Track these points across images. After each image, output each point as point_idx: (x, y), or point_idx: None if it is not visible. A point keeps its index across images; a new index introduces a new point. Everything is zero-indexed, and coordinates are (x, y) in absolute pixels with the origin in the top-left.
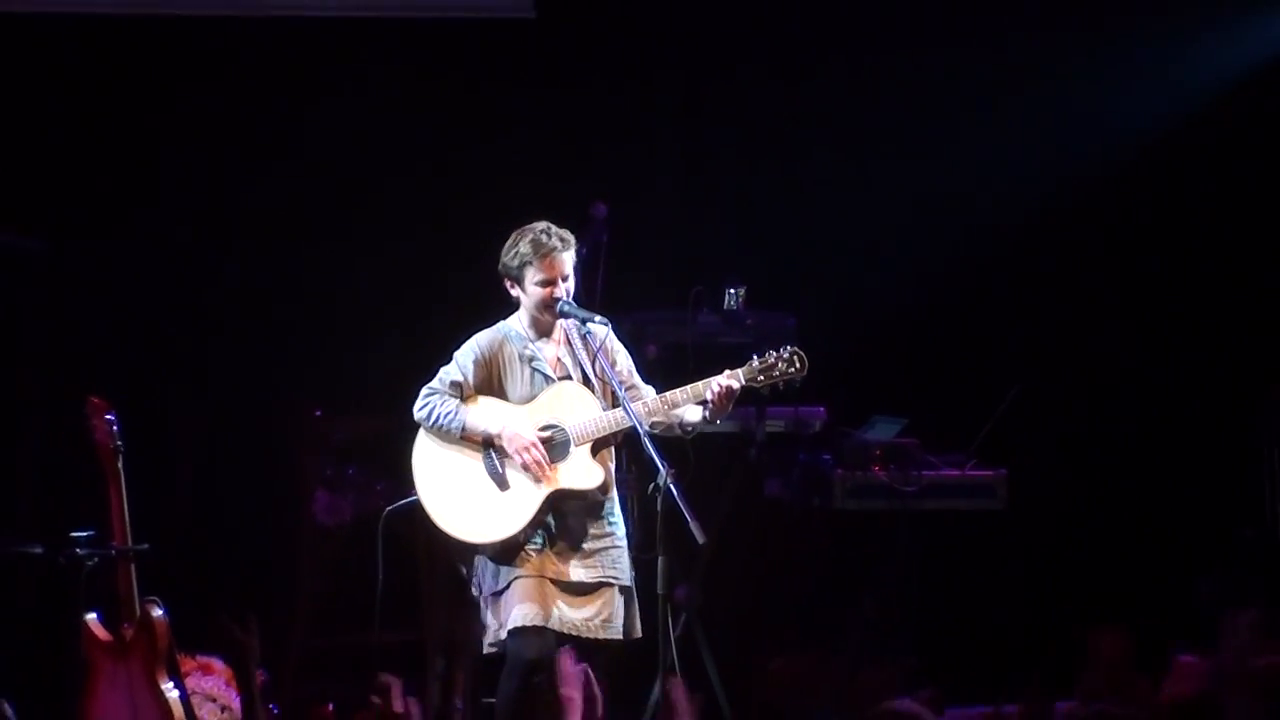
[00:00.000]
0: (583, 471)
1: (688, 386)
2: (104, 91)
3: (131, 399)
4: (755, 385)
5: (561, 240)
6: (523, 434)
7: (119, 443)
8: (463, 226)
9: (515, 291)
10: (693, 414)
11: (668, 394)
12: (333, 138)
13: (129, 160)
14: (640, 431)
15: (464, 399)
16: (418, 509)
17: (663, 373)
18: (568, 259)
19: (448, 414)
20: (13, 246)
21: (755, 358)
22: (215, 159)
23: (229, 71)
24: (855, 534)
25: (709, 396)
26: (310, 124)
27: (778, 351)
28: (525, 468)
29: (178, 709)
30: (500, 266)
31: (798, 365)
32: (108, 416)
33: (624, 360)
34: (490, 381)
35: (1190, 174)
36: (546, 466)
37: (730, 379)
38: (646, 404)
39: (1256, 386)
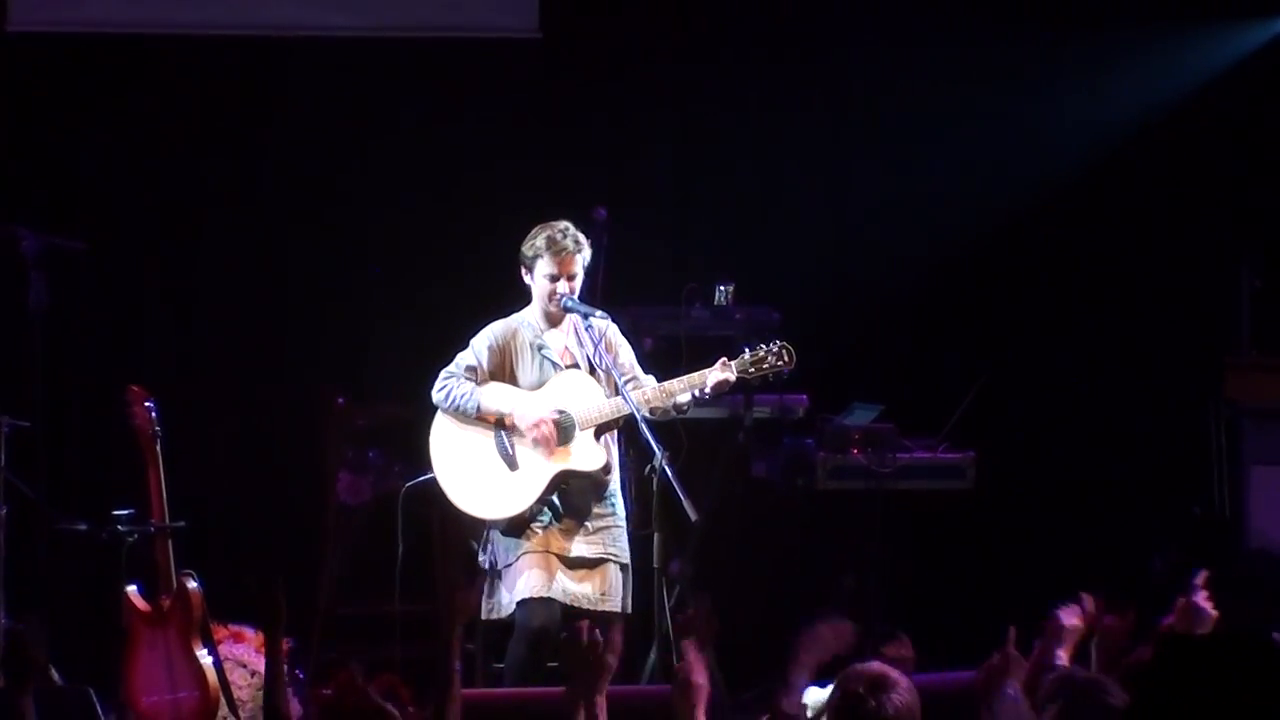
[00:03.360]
0: (586, 454)
1: (683, 378)
2: (138, 103)
3: (169, 388)
4: (746, 376)
5: (575, 242)
6: (532, 411)
7: (157, 428)
8: (473, 231)
9: (528, 279)
10: (684, 396)
11: (666, 384)
12: (354, 145)
13: (162, 166)
14: (637, 418)
15: (478, 383)
16: (434, 487)
17: (658, 363)
18: (578, 260)
19: (463, 395)
20: (57, 247)
21: (747, 350)
22: (242, 166)
23: (252, 84)
24: (835, 512)
25: (706, 388)
26: (332, 133)
27: (767, 345)
28: (536, 442)
29: (211, 673)
30: (520, 254)
31: (785, 358)
32: (147, 404)
33: (626, 354)
34: (503, 367)
35: (1148, 172)
36: (554, 441)
37: (724, 371)
38: (645, 393)
39: (1207, 374)
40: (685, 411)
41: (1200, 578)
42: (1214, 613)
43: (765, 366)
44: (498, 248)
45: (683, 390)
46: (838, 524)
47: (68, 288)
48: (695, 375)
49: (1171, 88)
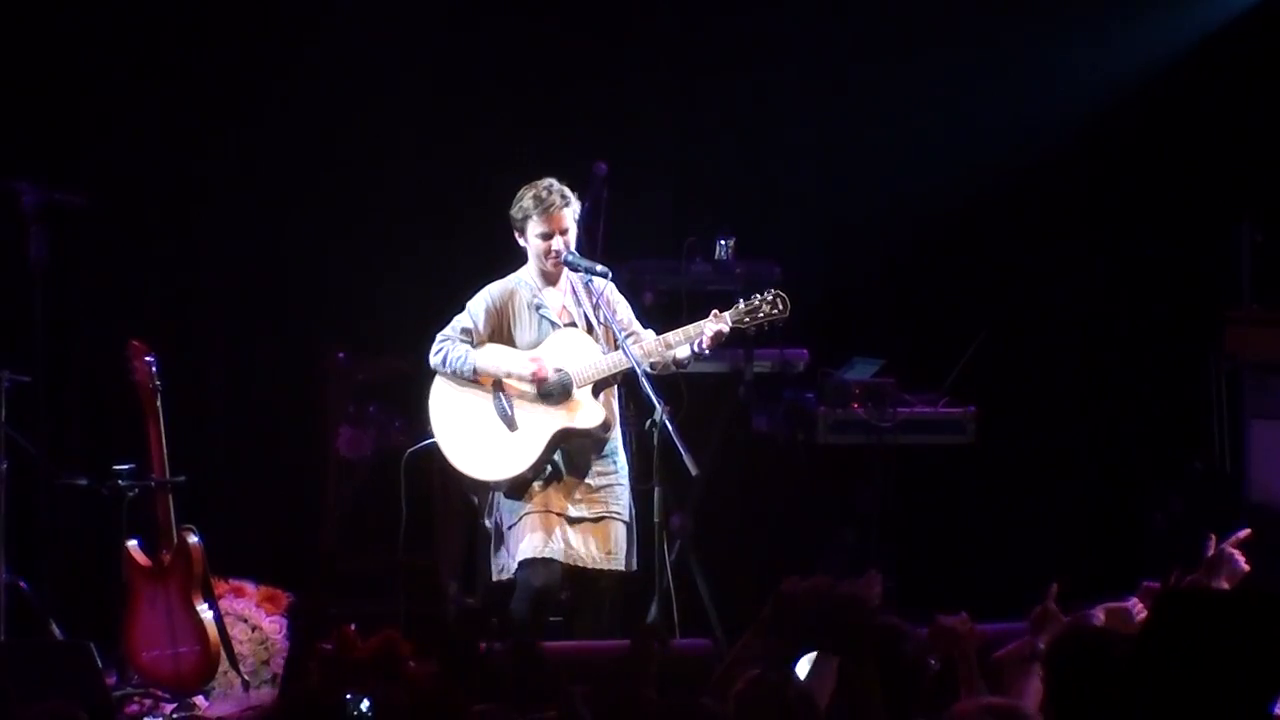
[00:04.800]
0: (585, 411)
1: (680, 330)
2: (138, 57)
3: (169, 342)
4: (741, 326)
5: (562, 197)
6: (525, 365)
7: (158, 383)
8: (473, 185)
9: (522, 242)
10: (684, 351)
11: (664, 335)
12: (356, 100)
13: (162, 120)
14: (638, 372)
15: (474, 345)
16: (435, 449)
17: (659, 317)
18: (567, 214)
19: (459, 358)
20: (58, 202)
21: (741, 301)
22: (242, 122)
23: (251, 39)
24: (836, 466)
25: (704, 341)
26: (333, 88)
27: (762, 295)
28: (535, 379)
29: (212, 628)
30: (509, 218)
31: (780, 307)
32: (147, 358)
33: (624, 310)
34: (501, 329)
35: (1149, 125)
36: (546, 375)
37: (719, 323)
38: (643, 346)
39: (1207, 328)
40: (685, 366)
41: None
42: (1245, 567)
43: (760, 316)
44: (498, 202)
45: (680, 342)
46: (838, 478)
47: (68, 243)
48: (691, 327)
49: (1173, 40)
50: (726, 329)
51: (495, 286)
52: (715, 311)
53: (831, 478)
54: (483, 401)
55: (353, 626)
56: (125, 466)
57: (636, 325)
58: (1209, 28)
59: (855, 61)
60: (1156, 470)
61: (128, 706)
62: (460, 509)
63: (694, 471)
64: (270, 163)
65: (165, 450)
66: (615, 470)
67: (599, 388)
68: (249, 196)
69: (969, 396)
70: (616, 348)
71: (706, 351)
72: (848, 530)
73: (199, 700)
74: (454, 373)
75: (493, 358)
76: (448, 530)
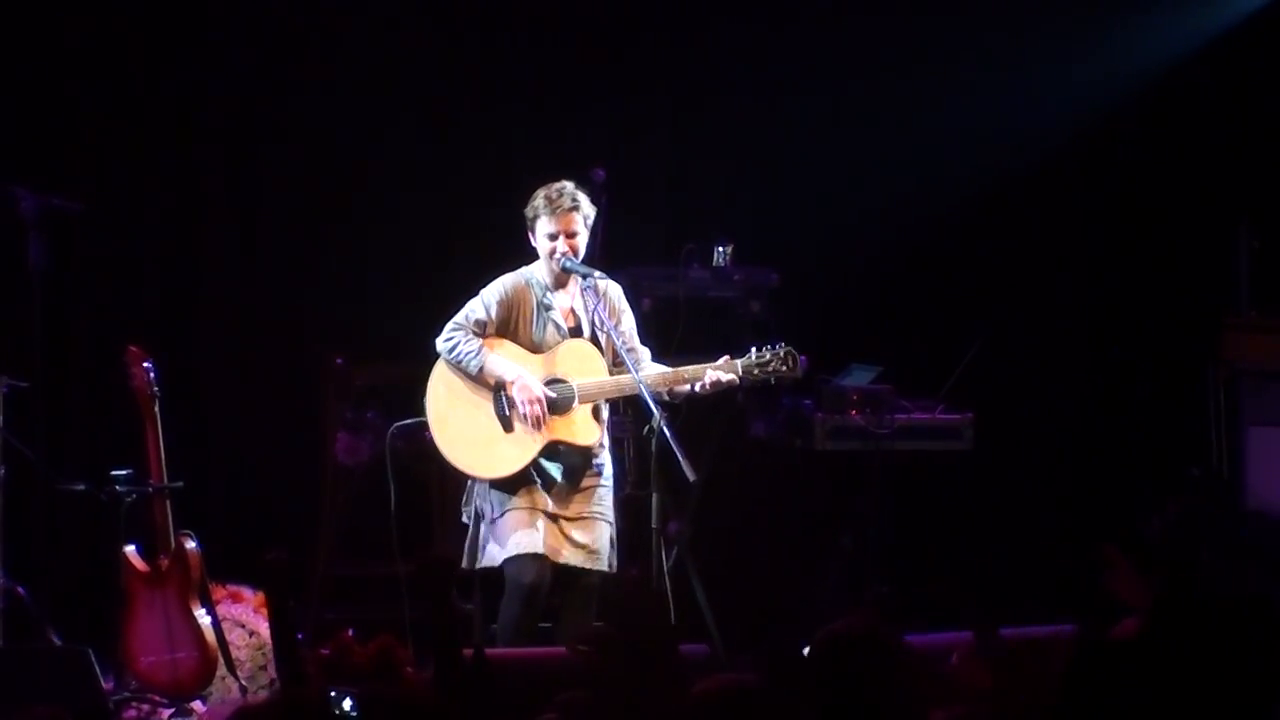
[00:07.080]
0: (581, 428)
1: (690, 368)
2: (135, 61)
3: (167, 348)
4: (750, 378)
5: (573, 200)
6: (533, 387)
7: (155, 388)
8: (472, 191)
9: (534, 241)
10: (684, 387)
11: (674, 371)
12: (354, 106)
13: (159, 124)
14: (638, 380)
15: (486, 336)
16: (423, 433)
17: (655, 324)
18: (576, 218)
19: (469, 353)
20: (56, 208)
21: (754, 350)
22: (240, 126)
23: (247, 44)
24: (834, 473)
25: (705, 384)
26: (331, 94)
27: (773, 348)
28: (525, 417)
29: (209, 633)
30: (524, 216)
31: (790, 364)
32: (145, 364)
33: (628, 321)
34: (509, 322)
35: (1147, 131)
36: (544, 421)
37: (729, 372)
38: (659, 376)
39: (1205, 334)
40: (678, 400)
41: None
42: None
43: (769, 369)
44: (497, 208)
45: (689, 379)
46: (836, 485)
47: (66, 248)
48: (699, 368)
49: (1172, 46)
50: (736, 380)
51: (509, 279)
52: (727, 358)
53: (829, 484)
54: (483, 397)
55: (350, 632)
56: (123, 472)
57: (635, 340)
58: (1207, 34)
59: (853, 67)
60: (1154, 477)
61: (125, 712)
62: (458, 511)
63: (691, 477)
64: (268, 168)
65: (163, 455)
66: (601, 473)
67: (598, 406)
68: (247, 202)
69: (967, 403)
70: (615, 359)
71: (706, 391)
72: (845, 537)
73: (197, 705)
74: (459, 365)
75: (500, 364)
76: (445, 533)
